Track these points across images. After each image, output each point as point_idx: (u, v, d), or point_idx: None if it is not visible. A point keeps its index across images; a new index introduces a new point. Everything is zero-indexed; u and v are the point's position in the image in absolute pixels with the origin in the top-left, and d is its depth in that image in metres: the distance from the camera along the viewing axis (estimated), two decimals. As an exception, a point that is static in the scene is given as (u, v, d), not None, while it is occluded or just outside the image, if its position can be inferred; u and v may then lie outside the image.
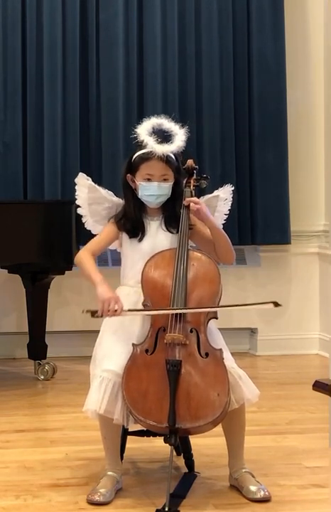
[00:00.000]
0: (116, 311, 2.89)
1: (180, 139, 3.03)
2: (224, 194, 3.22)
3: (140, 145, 3.03)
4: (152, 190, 3.02)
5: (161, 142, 3.00)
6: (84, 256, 3.06)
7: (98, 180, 3.22)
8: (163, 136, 3.04)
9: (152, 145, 2.99)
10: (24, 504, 2.89)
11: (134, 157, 3.05)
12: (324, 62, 5.57)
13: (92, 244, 3.11)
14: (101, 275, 3.00)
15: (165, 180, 3.03)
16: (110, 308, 2.89)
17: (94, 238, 3.14)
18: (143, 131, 3.03)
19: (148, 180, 3.02)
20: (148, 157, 3.00)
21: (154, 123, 3.06)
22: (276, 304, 2.90)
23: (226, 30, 5.40)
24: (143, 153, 3.02)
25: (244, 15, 5.45)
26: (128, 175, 3.07)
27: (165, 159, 3.01)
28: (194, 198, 3.04)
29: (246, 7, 5.44)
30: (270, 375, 4.93)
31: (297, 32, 5.60)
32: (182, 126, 3.07)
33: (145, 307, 2.93)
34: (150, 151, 2.99)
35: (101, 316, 2.92)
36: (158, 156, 2.99)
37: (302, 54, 5.62)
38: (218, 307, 2.94)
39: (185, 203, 3.02)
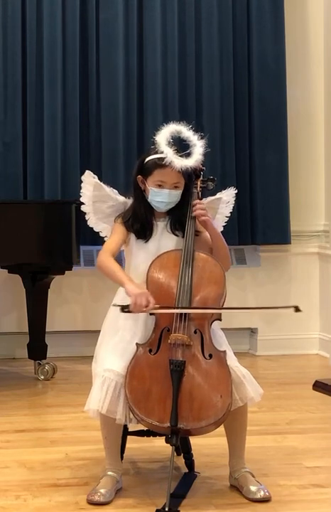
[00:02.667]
0: (146, 306, 2.86)
1: (198, 152, 3.01)
2: (227, 197, 3.22)
3: (155, 147, 3.01)
4: (162, 197, 3.02)
5: (180, 155, 2.97)
6: (106, 258, 3.01)
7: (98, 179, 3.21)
8: (181, 145, 3.02)
9: (171, 158, 2.95)
10: (24, 504, 2.89)
11: (148, 160, 3.02)
12: (324, 62, 5.57)
13: (110, 246, 3.06)
14: (127, 275, 2.98)
15: (176, 187, 3.02)
16: (142, 304, 2.85)
17: (109, 240, 3.10)
18: (162, 139, 2.99)
19: (160, 186, 3.01)
20: (163, 164, 2.97)
21: (173, 130, 3.03)
22: (297, 309, 2.87)
23: (226, 30, 5.41)
24: (158, 159, 2.99)
25: (244, 15, 5.45)
26: (140, 176, 3.06)
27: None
28: (203, 211, 3.01)
29: (246, 7, 5.45)
30: (270, 375, 4.92)
31: (297, 32, 5.60)
32: (202, 137, 3.04)
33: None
34: (167, 160, 2.96)
35: (132, 312, 2.88)
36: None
37: (302, 54, 5.62)
38: (242, 308, 2.92)
39: (193, 213, 3.00)
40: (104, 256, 3.02)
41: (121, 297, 3.04)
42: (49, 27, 5.20)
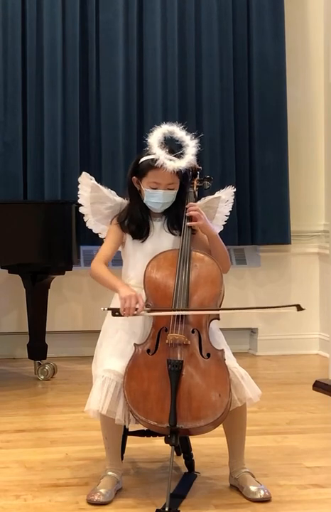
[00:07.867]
0: (136, 309, 2.86)
1: (190, 153, 3.00)
2: (226, 196, 3.21)
3: (149, 149, 3.00)
4: (157, 198, 3.02)
5: (172, 157, 2.96)
6: (98, 267, 3.03)
7: (98, 180, 3.20)
8: (174, 145, 3.02)
9: (163, 160, 2.95)
10: (24, 504, 2.89)
11: (142, 161, 3.02)
12: (324, 62, 5.57)
13: (103, 253, 3.07)
14: (120, 280, 3.00)
15: (170, 188, 3.02)
16: (131, 306, 2.87)
17: (103, 246, 3.10)
18: (155, 141, 2.99)
19: (154, 187, 3.01)
20: (156, 165, 2.97)
21: (166, 131, 3.02)
22: (299, 308, 2.86)
23: (226, 30, 5.41)
24: (151, 161, 2.98)
25: (244, 15, 5.45)
26: (134, 177, 3.06)
27: None
28: (196, 212, 3.01)
29: (246, 7, 5.45)
30: (270, 375, 4.92)
31: (297, 32, 5.61)
32: (195, 136, 3.04)
33: (147, 307, 2.93)
34: (158, 162, 2.95)
35: (122, 315, 2.88)
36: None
37: (302, 54, 5.62)
38: (241, 309, 2.90)
39: (187, 214, 3.00)
40: (95, 264, 3.05)
41: (117, 300, 3.04)
42: (49, 27, 5.21)
